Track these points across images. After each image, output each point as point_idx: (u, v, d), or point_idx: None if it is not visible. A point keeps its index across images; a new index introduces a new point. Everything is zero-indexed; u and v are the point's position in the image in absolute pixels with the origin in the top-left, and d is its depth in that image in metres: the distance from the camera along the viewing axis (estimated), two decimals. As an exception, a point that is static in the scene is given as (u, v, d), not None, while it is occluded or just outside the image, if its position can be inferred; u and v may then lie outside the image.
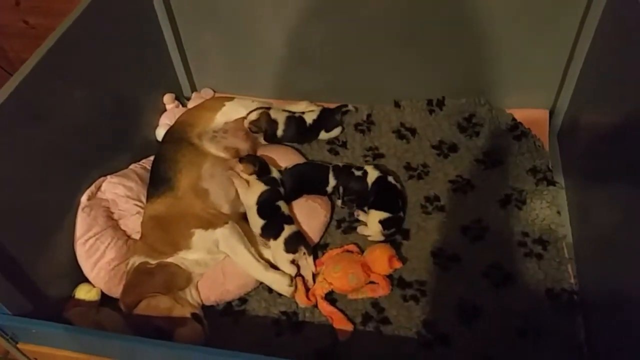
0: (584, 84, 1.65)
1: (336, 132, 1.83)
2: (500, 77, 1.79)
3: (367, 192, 1.60)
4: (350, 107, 1.88)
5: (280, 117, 1.77)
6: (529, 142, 1.72)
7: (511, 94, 1.82)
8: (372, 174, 1.62)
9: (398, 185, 1.62)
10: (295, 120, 1.79)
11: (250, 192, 1.55)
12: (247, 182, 1.57)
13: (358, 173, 1.63)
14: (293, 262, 1.47)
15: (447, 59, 1.78)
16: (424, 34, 1.72)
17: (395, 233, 1.56)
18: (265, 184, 1.55)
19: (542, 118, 1.81)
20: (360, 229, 1.58)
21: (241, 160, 1.60)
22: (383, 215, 1.53)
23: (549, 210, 1.55)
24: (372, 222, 1.55)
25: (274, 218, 1.51)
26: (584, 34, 1.59)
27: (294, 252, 1.47)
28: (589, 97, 1.62)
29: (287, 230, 1.48)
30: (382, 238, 1.54)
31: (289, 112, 1.81)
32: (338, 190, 1.62)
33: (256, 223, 1.52)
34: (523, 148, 1.71)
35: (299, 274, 1.48)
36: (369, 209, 1.57)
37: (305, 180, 1.64)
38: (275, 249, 1.48)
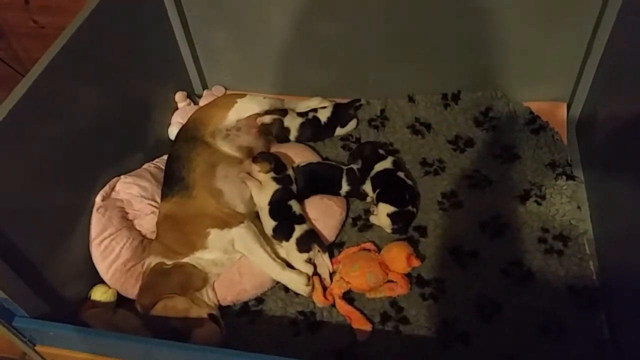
0: (603, 75, 1.61)
1: (352, 125, 1.81)
2: (516, 70, 1.76)
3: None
4: (363, 101, 1.86)
5: (293, 124, 1.75)
6: (547, 136, 1.69)
7: (527, 86, 1.79)
8: (382, 165, 1.61)
9: (408, 180, 1.59)
10: (310, 123, 1.77)
11: (263, 193, 1.53)
12: (260, 182, 1.56)
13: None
14: (309, 261, 1.45)
15: (462, 52, 1.75)
16: (437, 26, 1.69)
17: (405, 227, 1.54)
18: (278, 182, 1.54)
19: (560, 111, 1.77)
20: (372, 218, 1.58)
21: (255, 159, 1.58)
22: (391, 209, 1.52)
23: (569, 206, 1.52)
24: (381, 215, 1.53)
25: (285, 219, 1.49)
26: (603, 24, 1.55)
27: (307, 250, 1.45)
28: (607, 89, 1.58)
29: (298, 230, 1.46)
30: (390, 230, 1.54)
31: (304, 116, 1.78)
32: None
33: (268, 224, 1.51)
34: (541, 142, 1.68)
35: (315, 273, 1.47)
36: (377, 202, 1.56)
37: (318, 180, 1.62)
38: (289, 250, 1.47)
